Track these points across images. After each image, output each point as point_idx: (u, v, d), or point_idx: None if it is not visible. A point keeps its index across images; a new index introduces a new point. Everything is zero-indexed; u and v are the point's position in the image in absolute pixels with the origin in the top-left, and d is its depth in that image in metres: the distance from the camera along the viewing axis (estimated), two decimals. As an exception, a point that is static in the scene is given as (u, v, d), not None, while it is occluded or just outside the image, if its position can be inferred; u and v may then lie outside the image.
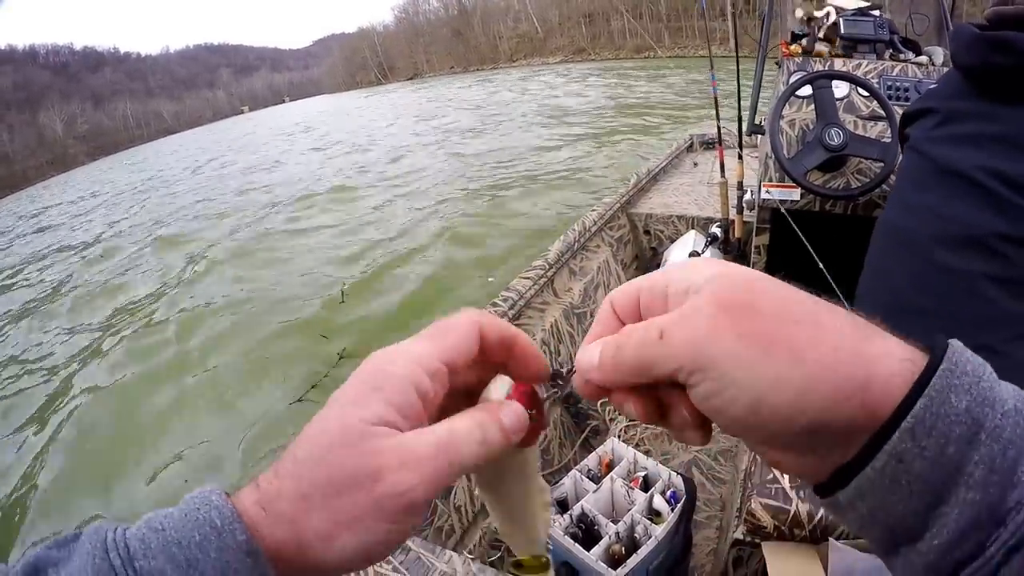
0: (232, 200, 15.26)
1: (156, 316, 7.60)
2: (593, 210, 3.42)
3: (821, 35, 2.62)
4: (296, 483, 0.35)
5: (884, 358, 0.33)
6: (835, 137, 2.16)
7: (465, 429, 0.39)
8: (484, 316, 0.43)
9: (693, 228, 3.46)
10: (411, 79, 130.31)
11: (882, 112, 2.22)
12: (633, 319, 0.40)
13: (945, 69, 2.38)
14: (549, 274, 2.69)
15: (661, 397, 0.39)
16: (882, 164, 2.15)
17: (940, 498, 0.31)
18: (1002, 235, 1.08)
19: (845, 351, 0.33)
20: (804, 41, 2.61)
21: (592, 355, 0.40)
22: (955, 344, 0.33)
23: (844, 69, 2.42)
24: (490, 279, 6.43)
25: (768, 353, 0.32)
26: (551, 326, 2.53)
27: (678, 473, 1.76)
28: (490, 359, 0.44)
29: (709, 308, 0.34)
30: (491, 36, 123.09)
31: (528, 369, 0.46)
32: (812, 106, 2.29)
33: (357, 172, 15.51)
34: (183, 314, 7.39)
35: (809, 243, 2.50)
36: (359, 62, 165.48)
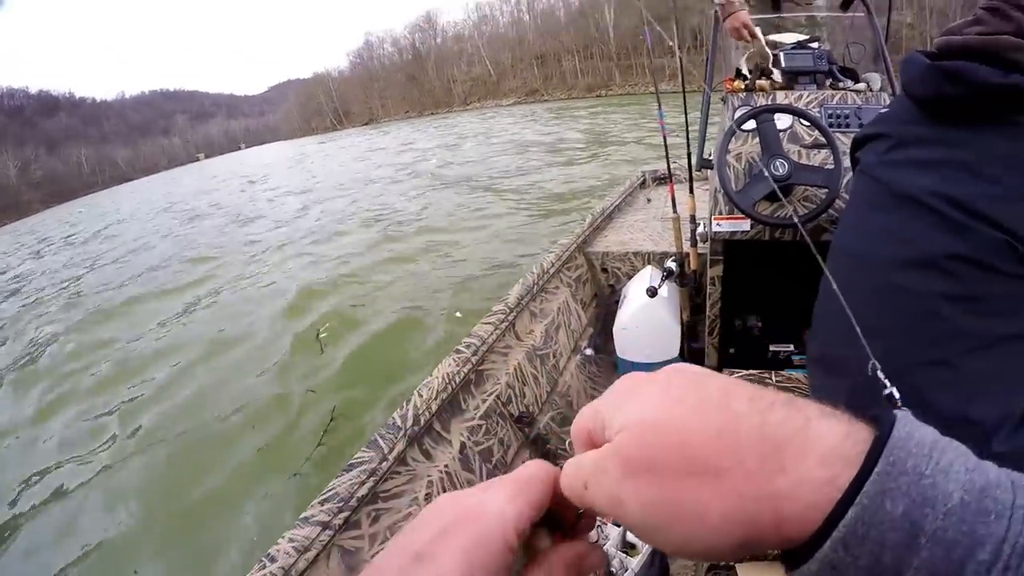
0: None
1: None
2: (550, 252, 3.41)
3: (762, 70, 2.68)
4: None
5: (796, 491, 0.31)
6: (780, 168, 2.20)
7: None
8: (555, 472, 0.43)
9: (649, 263, 3.47)
10: (367, 124, 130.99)
11: (824, 140, 2.26)
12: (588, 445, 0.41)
13: (884, 94, 2.45)
14: (510, 318, 2.68)
15: None
16: (827, 190, 2.19)
17: None
18: (956, 256, 1.12)
19: (749, 498, 0.32)
20: (755, 77, 2.66)
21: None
22: (898, 433, 0.31)
23: (786, 101, 2.47)
24: (457, 314, 6.37)
25: (671, 521, 0.33)
26: (515, 369, 2.51)
27: None
28: (555, 505, 0.44)
29: (615, 471, 0.35)
30: (445, 80, 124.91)
31: (573, 520, 0.46)
32: (757, 139, 2.33)
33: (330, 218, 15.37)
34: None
35: (763, 270, 2.53)
36: (314, 108, 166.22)
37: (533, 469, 0.42)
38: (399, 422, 1.92)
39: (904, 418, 0.32)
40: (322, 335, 6.64)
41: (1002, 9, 1.17)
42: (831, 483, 0.31)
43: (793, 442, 0.32)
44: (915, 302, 1.19)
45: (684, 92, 3.01)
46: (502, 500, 0.39)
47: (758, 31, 2.63)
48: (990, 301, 1.11)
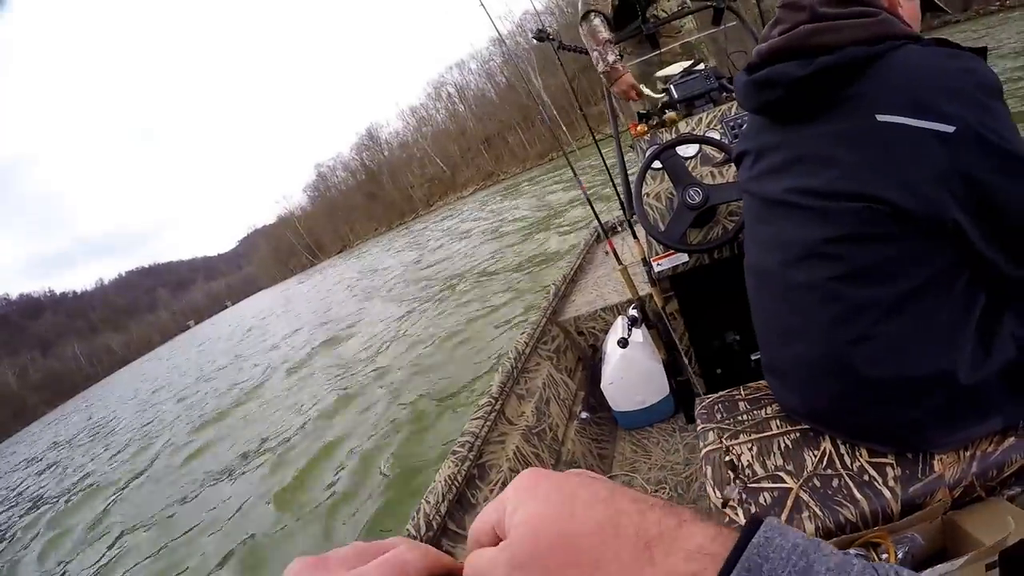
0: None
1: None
2: (523, 332, 3.43)
3: (664, 105, 2.76)
4: None
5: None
6: (695, 196, 2.24)
7: None
8: (431, 554, 0.43)
9: (620, 315, 3.47)
10: (340, 252, 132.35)
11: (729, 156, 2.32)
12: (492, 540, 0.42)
13: None
14: (497, 407, 2.66)
15: None
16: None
17: None
18: (828, 239, 1.18)
19: None
20: (655, 116, 2.73)
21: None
22: (757, 540, 0.32)
23: (687, 129, 2.53)
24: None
25: None
26: (514, 454, 2.49)
27: None
28: None
29: (504, 567, 0.37)
30: (403, 188, 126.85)
31: None
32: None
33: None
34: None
35: (718, 290, 2.55)
36: (287, 249, 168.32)
37: (402, 552, 0.41)
38: (413, 531, 1.90)
39: (770, 523, 0.33)
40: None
41: (794, 2, 1.24)
42: (700, 564, 0.32)
43: (664, 539, 0.34)
44: (813, 293, 1.23)
45: (600, 151, 3.07)
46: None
47: (643, 88, 2.73)
48: (872, 269, 1.15)
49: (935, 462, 1.19)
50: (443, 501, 2.07)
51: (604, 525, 0.35)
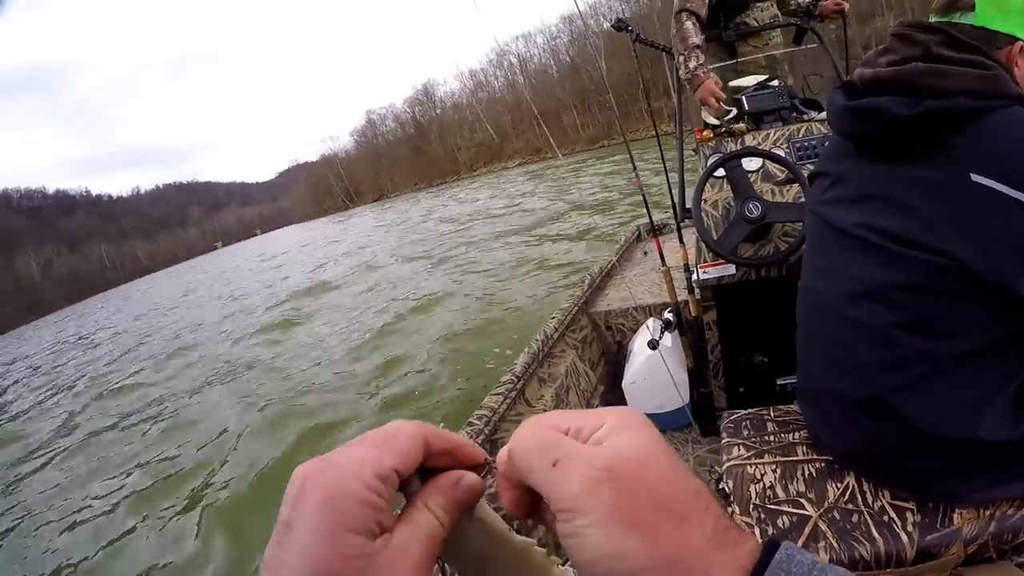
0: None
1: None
2: (553, 317, 3.45)
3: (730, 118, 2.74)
4: None
5: (729, 563, 0.34)
6: (754, 210, 2.22)
7: (434, 506, 0.40)
8: (428, 427, 0.42)
9: (651, 316, 3.48)
10: (377, 200, 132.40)
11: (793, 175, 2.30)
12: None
13: None
14: (519, 386, 2.68)
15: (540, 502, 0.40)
16: (802, 223, 2.21)
17: None
18: (896, 285, 1.16)
19: (692, 553, 0.33)
20: (723, 124, 2.72)
21: (504, 451, 0.41)
22: (777, 560, 0.34)
23: (755, 142, 2.51)
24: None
25: (629, 530, 0.33)
26: None
27: None
28: (433, 465, 0.43)
29: (599, 468, 0.35)
30: (449, 148, 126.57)
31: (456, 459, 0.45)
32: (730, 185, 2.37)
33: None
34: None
35: (759, 307, 2.53)
36: (325, 189, 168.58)
37: (398, 422, 0.42)
38: None
39: (788, 546, 0.35)
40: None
41: (909, 35, 1.20)
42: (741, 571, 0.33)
43: (730, 533, 0.35)
44: (868, 333, 1.22)
45: (660, 148, 3.05)
46: (359, 448, 0.39)
47: (722, 96, 2.70)
48: (938, 324, 1.14)
49: (955, 515, 1.19)
50: None
51: (700, 495, 0.36)
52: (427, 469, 0.42)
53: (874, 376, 1.20)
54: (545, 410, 2.65)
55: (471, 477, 0.43)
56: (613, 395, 3.36)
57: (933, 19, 1.22)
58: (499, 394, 2.57)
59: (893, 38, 1.23)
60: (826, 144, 2.35)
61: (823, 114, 2.58)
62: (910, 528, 1.20)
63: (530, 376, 2.84)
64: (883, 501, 1.28)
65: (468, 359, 7.31)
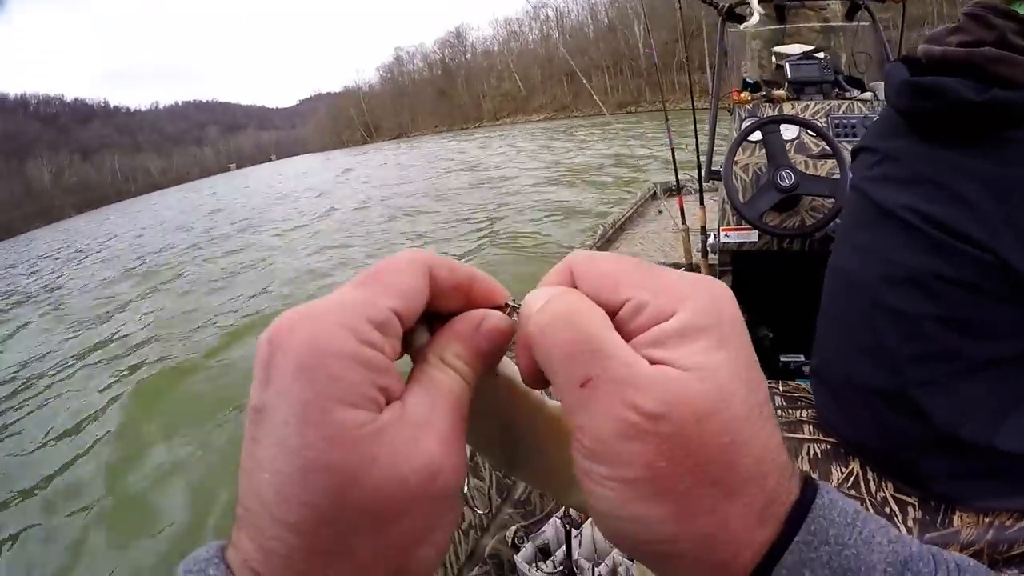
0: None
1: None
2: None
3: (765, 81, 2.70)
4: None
5: (746, 515, 0.28)
6: (786, 179, 2.20)
7: (444, 379, 0.31)
8: (432, 255, 0.33)
9: None
10: (397, 138, 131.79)
11: (830, 150, 2.26)
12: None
13: None
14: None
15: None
16: (833, 200, 2.19)
17: None
18: (940, 276, 1.12)
19: (731, 531, 0.27)
20: (762, 88, 2.68)
21: (537, 302, 0.31)
22: (820, 502, 0.29)
23: (792, 112, 2.48)
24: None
25: (658, 498, 0.27)
26: None
27: None
28: (442, 307, 0.34)
29: (646, 418, 0.26)
30: (475, 95, 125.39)
31: (471, 295, 0.35)
32: (764, 150, 2.34)
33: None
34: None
35: (773, 280, 2.51)
36: (345, 121, 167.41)
37: (393, 257, 0.32)
38: None
39: (826, 486, 0.30)
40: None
41: (985, 17, 1.13)
42: (764, 512, 0.28)
43: (783, 490, 0.29)
44: (903, 322, 1.18)
45: (693, 105, 3.03)
46: (344, 291, 0.30)
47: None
48: (977, 323, 1.11)
49: (955, 518, 1.20)
50: None
51: (763, 461, 0.28)
52: (434, 315, 0.34)
53: (902, 367, 1.17)
54: None
55: (496, 316, 0.34)
56: None
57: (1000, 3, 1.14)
58: None
59: (966, 18, 1.16)
60: (874, 119, 2.32)
61: (867, 94, 2.55)
62: (910, 523, 1.21)
63: None
64: (886, 492, 1.28)
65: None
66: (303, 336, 0.27)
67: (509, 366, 0.37)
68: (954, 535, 1.17)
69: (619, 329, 0.29)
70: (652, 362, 0.27)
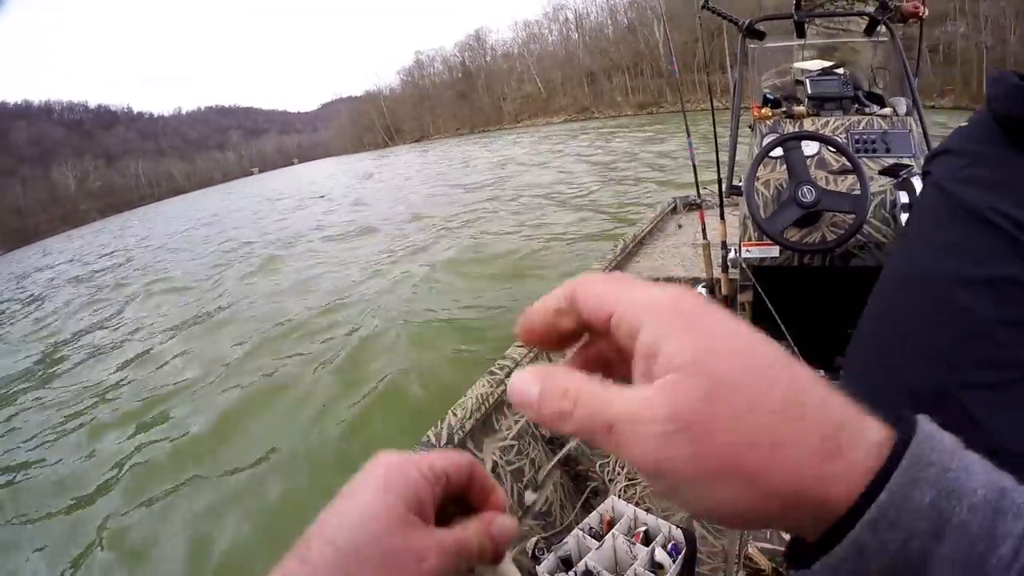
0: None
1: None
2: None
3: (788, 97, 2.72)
4: (342, 570, 0.39)
5: (846, 476, 0.31)
6: (807, 195, 2.22)
7: (474, 533, 0.45)
8: (477, 464, 0.48)
9: None
10: (418, 141, 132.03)
11: (851, 166, 2.27)
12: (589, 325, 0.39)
13: (909, 119, 2.44)
14: None
15: None
16: (854, 216, 2.20)
17: None
18: (1017, 281, 1.09)
19: (801, 476, 0.31)
20: (782, 104, 2.69)
21: (529, 391, 0.36)
22: (923, 430, 0.32)
23: (812, 128, 2.49)
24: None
25: (719, 478, 0.31)
26: None
27: (678, 526, 1.79)
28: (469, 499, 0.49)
29: (662, 423, 0.30)
30: (495, 97, 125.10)
31: (488, 500, 0.50)
32: (785, 166, 2.35)
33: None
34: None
35: (793, 295, 2.52)
36: (366, 124, 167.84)
37: (452, 452, 0.48)
38: (433, 439, 1.98)
39: (925, 418, 0.33)
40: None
41: None
42: (872, 471, 0.31)
43: (848, 428, 0.32)
44: (971, 323, 1.14)
45: (714, 121, 3.03)
46: (422, 453, 0.46)
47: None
48: None
49: None
50: (469, 418, 2.14)
51: (789, 399, 0.31)
52: (464, 501, 0.48)
53: (959, 367, 1.14)
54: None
55: (507, 519, 0.47)
56: None
57: None
58: (522, 346, 2.60)
59: None
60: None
61: (886, 109, 2.55)
62: None
63: None
64: None
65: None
66: (393, 460, 0.45)
67: (511, 569, 0.48)
68: None
69: (612, 333, 0.35)
70: (652, 376, 0.32)
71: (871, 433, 0.32)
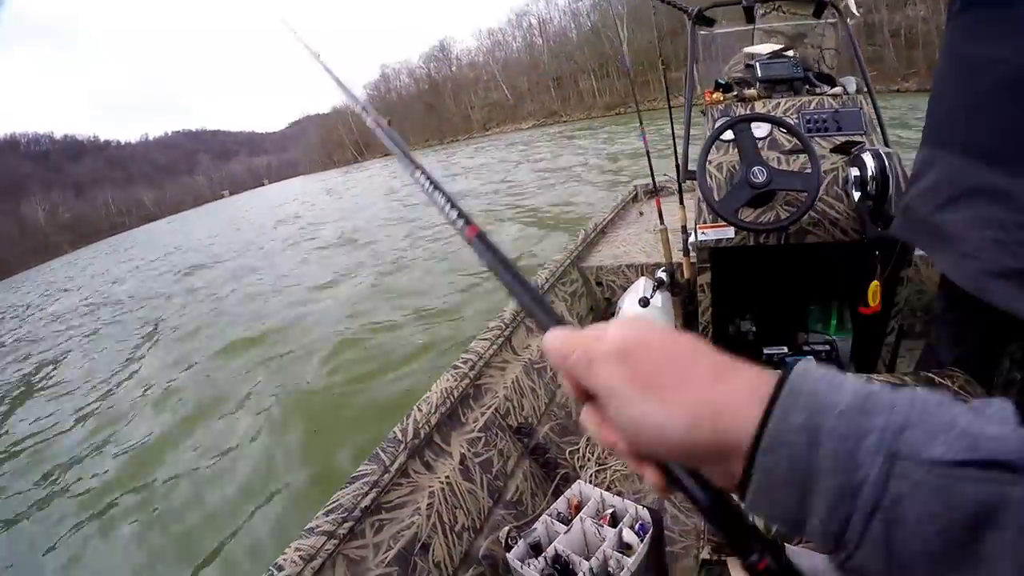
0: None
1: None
2: (544, 268, 3.51)
3: (736, 80, 2.74)
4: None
5: (732, 393, 0.41)
6: (759, 175, 2.23)
7: None
8: None
9: (643, 275, 3.52)
10: (387, 155, 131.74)
11: (801, 145, 2.30)
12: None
13: (860, 97, 2.48)
14: (506, 333, 2.73)
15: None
16: (806, 194, 2.22)
17: (808, 490, 0.38)
18: None
19: (699, 390, 0.42)
20: (734, 88, 2.72)
21: (557, 342, 0.51)
22: (797, 369, 0.41)
23: (764, 110, 2.51)
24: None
25: (643, 394, 0.43)
26: (513, 383, 2.55)
27: (644, 506, 1.80)
28: None
29: (612, 361, 0.45)
30: (463, 107, 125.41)
31: None
32: (736, 149, 2.38)
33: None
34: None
35: (753, 274, 2.55)
36: (335, 141, 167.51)
37: None
38: (400, 436, 1.97)
39: (804, 361, 0.43)
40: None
41: None
42: (758, 391, 0.41)
43: (730, 367, 0.43)
44: None
45: (670, 107, 3.06)
46: None
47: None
48: None
49: None
50: (435, 412, 2.13)
51: (690, 351, 0.45)
52: None
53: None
54: (530, 360, 2.72)
55: None
56: None
57: None
58: (486, 339, 2.62)
59: None
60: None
61: (836, 88, 2.58)
62: None
63: (518, 324, 2.88)
64: None
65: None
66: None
67: None
68: None
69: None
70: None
71: (750, 369, 0.43)
